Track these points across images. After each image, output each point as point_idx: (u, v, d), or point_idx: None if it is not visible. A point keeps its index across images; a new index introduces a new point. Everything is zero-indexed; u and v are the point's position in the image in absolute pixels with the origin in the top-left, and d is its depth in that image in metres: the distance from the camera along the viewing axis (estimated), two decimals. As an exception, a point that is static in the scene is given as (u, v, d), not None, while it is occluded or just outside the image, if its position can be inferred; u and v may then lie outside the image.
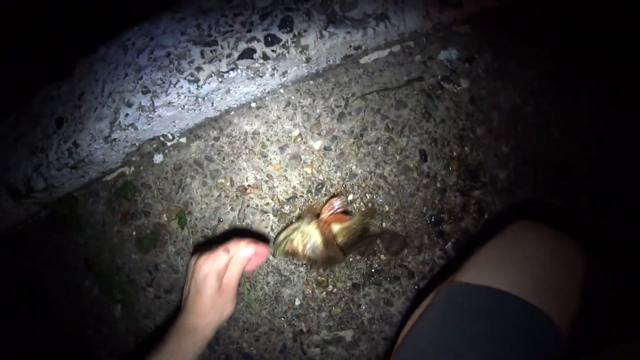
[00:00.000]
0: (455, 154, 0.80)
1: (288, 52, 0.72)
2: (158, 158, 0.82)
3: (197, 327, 0.56)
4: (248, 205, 0.78)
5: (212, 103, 0.76)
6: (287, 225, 0.71)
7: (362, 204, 0.77)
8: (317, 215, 0.70)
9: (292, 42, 0.72)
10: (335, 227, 0.68)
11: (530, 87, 0.85)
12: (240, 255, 0.57)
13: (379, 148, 0.78)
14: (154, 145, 0.82)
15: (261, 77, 0.74)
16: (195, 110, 0.75)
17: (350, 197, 0.77)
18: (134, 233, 0.84)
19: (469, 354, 0.45)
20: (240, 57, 0.71)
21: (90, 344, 0.92)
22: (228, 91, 0.74)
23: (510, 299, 0.47)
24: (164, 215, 0.82)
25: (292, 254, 0.68)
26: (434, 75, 0.81)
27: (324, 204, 0.71)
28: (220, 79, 0.71)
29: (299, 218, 0.71)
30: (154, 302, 0.85)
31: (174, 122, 0.77)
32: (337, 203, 0.69)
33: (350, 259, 0.77)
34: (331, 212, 0.69)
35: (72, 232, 0.90)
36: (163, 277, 0.84)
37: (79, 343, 0.93)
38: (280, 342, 0.80)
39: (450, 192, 0.79)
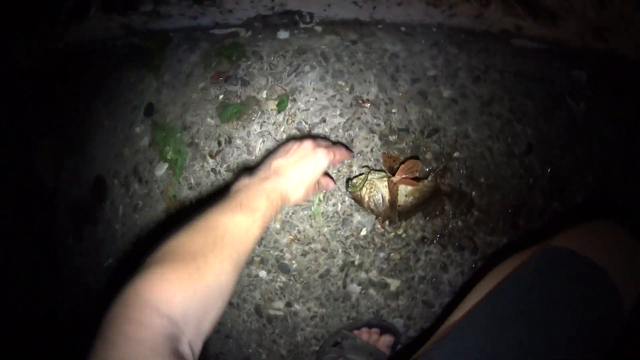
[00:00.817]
0: (554, 160, 0.82)
1: None
2: (283, 34, 0.76)
3: (284, 190, 0.52)
4: (359, 118, 0.74)
5: (375, 7, 0.72)
6: (361, 174, 0.72)
7: (463, 164, 0.76)
8: (392, 170, 0.70)
9: None
10: (405, 189, 0.70)
11: (633, 131, 0.90)
12: (338, 154, 0.60)
13: (498, 123, 0.78)
14: (284, 21, 0.76)
15: (435, 7, 0.72)
16: (344, 3, 0.72)
17: (456, 154, 0.76)
18: (222, 97, 0.76)
19: (549, 314, 0.47)
20: None
21: (112, 192, 0.81)
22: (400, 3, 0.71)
23: (595, 268, 0.49)
24: (265, 91, 0.75)
25: (357, 200, 0.70)
26: (563, 85, 0.84)
27: (403, 162, 0.71)
28: None
29: (373, 170, 0.72)
30: (208, 175, 0.77)
31: (326, 4, 0.72)
32: (413, 168, 0.70)
33: (431, 212, 0.75)
34: (404, 176, 0.69)
35: (147, 72, 0.80)
36: (232, 154, 0.76)
37: (101, 187, 0.81)
38: (326, 266, 0.75)
39: (537, 193, 0.81)
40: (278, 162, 0.54)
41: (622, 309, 0.48)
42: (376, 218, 0.74)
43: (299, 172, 0.54)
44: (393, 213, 0.71)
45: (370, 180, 0.69)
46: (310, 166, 0.55)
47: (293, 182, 0.53)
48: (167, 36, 0.80)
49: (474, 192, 0.76)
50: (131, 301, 0.38)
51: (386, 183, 0.69)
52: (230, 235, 0.44)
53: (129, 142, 0.80)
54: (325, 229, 0.74)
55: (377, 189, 0.69)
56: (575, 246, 0.52)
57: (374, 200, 0.69)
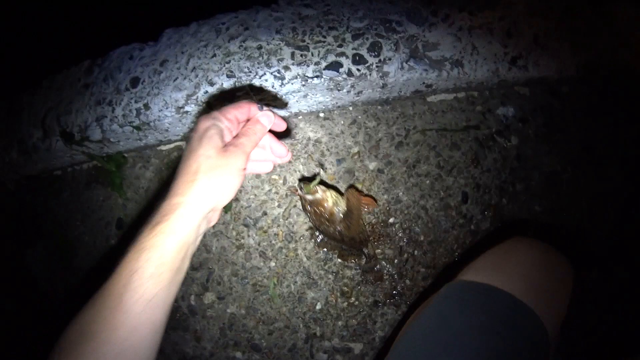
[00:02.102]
0: (493, 202, 0.84)
1: (370, 74, 0.75)
2: (218, 140, 0.84)
3: (186, 198, 0.41)
4: (295, 206, 0.80)
5: (287, 103, 0.78)
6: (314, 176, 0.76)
7: (400, 228, 0.81)
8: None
9: (376, 66, 0.75)
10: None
11: (571, 158, 0.91)
12: (261, 120, 0.46)
13: (427, 182, 0.81)
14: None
15: (339, 90, 0.77)
16: (269, 105, 0.78)
17: (391, 219, 0.81)
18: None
19: (462, 340, 0.48)
20: (327, 67, 0.73)
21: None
22: (306, 96, 0.77)
23: (501, 294, 0.51)
24: (211, 195, 0.84)
25: (319, 202, 0.71)
26: (489, 127, 0.86)
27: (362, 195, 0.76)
28: (303, 83, 0.74)
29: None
30: (178, 275, 0.86)
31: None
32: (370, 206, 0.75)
33: (378, 277, 0.80)
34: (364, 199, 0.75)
35: (112, 191, 0.91)
36: (194, 254, 0.85)
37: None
38: (292, 340, 0.82)
39: (481, 236, 0.83)
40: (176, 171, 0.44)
41: (538, 321, 0.49)
42: (338, 254, 0.80)
43: (197, 161, 0.43)
44: (354, 222, 0.72)
45: (333, 193, 0.73)
46: (207, 141, 0.43)
47: (196, 180, 0.42)
48: (123, 157, 0.90)
49: (415, 252, 0.80)
50: None
51: (345, 199, 0.73)
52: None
53: (107, 255, 0.91)
54: (284, 309, 0.81)
55: (340, 200, 0.73)
56: (482, 277, 0.54)
57: (337, 207, 0.72)
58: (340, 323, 0.80)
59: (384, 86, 0.77)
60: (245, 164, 0.45)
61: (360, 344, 0.81)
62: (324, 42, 0.75)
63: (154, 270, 0.39)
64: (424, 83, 0.80)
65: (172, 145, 0.87)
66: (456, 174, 0.82)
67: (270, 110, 0.49)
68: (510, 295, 0.51)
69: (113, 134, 0.85)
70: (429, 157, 0.82)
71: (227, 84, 0.73)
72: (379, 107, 0.82)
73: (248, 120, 0.49)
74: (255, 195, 0.81)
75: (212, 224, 0.49)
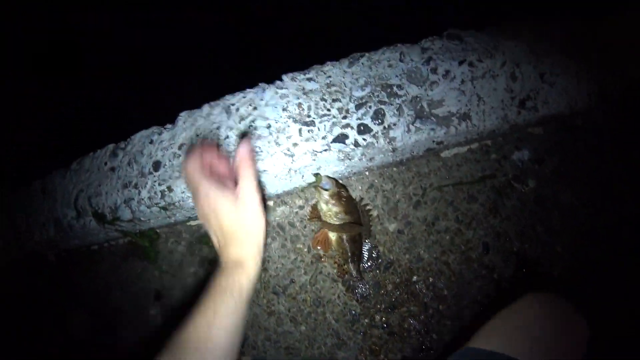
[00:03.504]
0: (515, 249, 0.83)
1: (377, 142, 0.75)
2: (241, 213, 0.87)
3: (227, 259, 0.48)
4: (320, 272, 0.82)
5: (303, 176, 0.79)
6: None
7: (423, 285, 0.82)
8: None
9: (382, 133, 0.74)
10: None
11: (589, 195, 0.88)
12: (241, 152, 0.50)
13: (447, 237, 0.81)
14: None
15: (350, 160, 0.77)
16: (286, 179, 0.79)
17: (414, 278, 0.81)
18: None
19: None
20: (334, 140, 0.74)
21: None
22: (319, 168, 0.78)
23: None
24: (239, 265, 0.87)
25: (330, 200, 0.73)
26: (506, 174, 0.84)
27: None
28: (313, 157, 0.74)
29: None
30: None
31: (265, 186, 0.81)
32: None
33: (405, 334, 0.82)
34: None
35: (147, 263, 0.95)
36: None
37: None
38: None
39: (506, 284, 0.83)
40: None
41: None
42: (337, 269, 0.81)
43: (223, 221, 0.50)
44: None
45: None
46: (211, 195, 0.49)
47: (228, 238, 0.51)
48: (155, 233, 0.94)
49: (440, 306, 0.81)
50: None
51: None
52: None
53: (148, 323, 0.96)
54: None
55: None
56: (488, 342, 0.53)
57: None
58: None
59: (394, 150, 0.77)
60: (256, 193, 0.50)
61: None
62: (329, 114, 0.75)
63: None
64: (433, 141, 0.79)
65: (200, 221, 0.90)
66: (475, 226, 0.82)
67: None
68: None
69: (142, 214, 0.88)
70: (447, 212, 0.81)
71: None
72: (394, 168, 0.82)
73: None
74: (283, 264, 0.83)
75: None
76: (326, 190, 0.73)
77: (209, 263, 0.88)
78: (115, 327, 0.99)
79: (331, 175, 0.80)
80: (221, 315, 0.47)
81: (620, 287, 0.87)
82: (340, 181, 0.82)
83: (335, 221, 0.75)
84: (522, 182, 0.84)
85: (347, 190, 0.76)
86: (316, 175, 0.75)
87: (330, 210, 0.75)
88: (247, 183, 0.49)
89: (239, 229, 0.48)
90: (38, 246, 1.07)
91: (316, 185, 0.75)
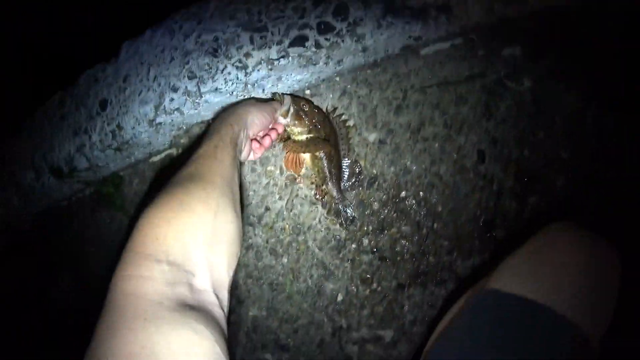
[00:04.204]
0: (514, 157, 0.73)
1: (343, 41, 0.64)
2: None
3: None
4: (297, 195, 0.73)
5: (263, 89, 0.69)
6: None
7: (414, 201, 0.72)
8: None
9: (347, 31, 0.64)
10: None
11: (593, 92, 0.78)
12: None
13: (436, 145, 0.71)
14: (202, 128, 0.77)
15: (314, 65, 0.67)
16: (244, 95, 0.70)
17: (403, 193, 0.72)
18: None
19: None
20: (292, 44, 0.64)
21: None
22: (279, 78, 0.68)
23: (542, 311, 0.43)
24: (209, 200, 0.78)
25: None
26: (497, 71, 0.73)
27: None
28: (270, 67, 0.64)
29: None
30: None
31: (222, 107, 0.72)
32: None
33: (398, 259, 0.72)
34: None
35: (116, 211, 0.87)
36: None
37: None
38: (319, 336, 0.76)
39: (506, 197, 0.73)
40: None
41: (585, 340, 0.42)
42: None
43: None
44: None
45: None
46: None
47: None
48: (119, 176, 0.86)
49: (435, 224, 0.71)
50: (128, 259, 0.35)
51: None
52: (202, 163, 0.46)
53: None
54: (305, 305, 0.75)
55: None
56: (517, 286, 0.45)
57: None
58: (365, 312, 0.73)
59: (364, 50, 0.67)
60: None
61: (391, 330, 0.73)
62: (283, 16, 0.64)
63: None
64: (410, 37, 0.69)
65: (163, 155, 0.81)
66: (467, 131, 0.72)
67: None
68: (552, 312, 0.42)
69: (98, 159, 0.80)
70: (434, 117, 0.71)
71: (190, 85, 0.66)
72: (369, 71, 0.72)
73: None
74: (255, 191, 0.74)
75: (244, 155, 0.58)
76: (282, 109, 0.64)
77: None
78: (95, 283, 0.92)
79: (296, 85, 0.71)
80: (220, 150, 0.49)
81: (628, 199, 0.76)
82: (306, 92, 0.73)
83: (302, 139, 0.66)
84: (516, 80, 0.74)
85: (310, 104, 0.67)
86: (274, 94, 0.66)
87: (292, 131, 0.66)
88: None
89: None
90: (7, 220, 1.00)
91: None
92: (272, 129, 0.66)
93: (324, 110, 0.70)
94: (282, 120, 0.65)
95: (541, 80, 0.75)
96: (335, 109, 0.71)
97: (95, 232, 0.91)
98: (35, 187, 0.89)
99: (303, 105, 0.66)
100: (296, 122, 0.65)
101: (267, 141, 0.64)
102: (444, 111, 0.71)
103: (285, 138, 0.69)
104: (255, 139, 0.62)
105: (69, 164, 0.81)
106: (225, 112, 0.58)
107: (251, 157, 0.62)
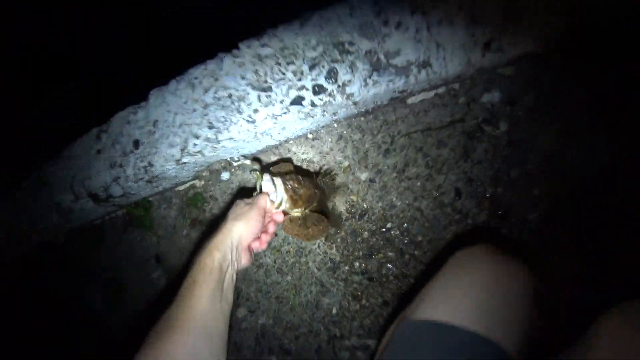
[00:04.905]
0: (488, 194, 0.83)
1: (334, 99, 0.74)
2: (225, 175, 0.90)
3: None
4: (298, 225, 0.86)
5: (271, 136, 0.81)
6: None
7: (398, 231, 0.83)
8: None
9: (338, 91, 0.73)
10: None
11: (568, 132, 0.85)
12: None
13: (418, 183, 0.82)
14: (222, 164, 0.90)
15: (313, 117, 0.78)
16: (255, 142, 0.82)
17: (388, 224, 0.83)
18: (200, 237, 0.95)
19: None
20: (292, 103, 0.74)
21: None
22: (284, 128, 0.79)
23: (452, 331, 0.45)
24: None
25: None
26: (476, 117, 0.83)
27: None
28: (274, 121, 0.75)
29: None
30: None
31: (237, 149, 0.84)
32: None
33: (384, 280, 0.84)
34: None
35: (145, 231, 1.02)
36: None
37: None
38: (316, 343, 0.89)
39: (479, 229, 0.83)
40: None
41: (501, 351, 0.44)
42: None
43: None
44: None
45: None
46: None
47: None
48: (148, 201, 1.00)
49: (416, 252, 0.82)
50: None
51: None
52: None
53: (153, 285, 1.03)
54: (305, 315, 0.87)
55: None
56: (431, 311, 0.49)
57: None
58: (355, 323, 0.85)
59: (355, 104, 0.77)
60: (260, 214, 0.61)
61: (376, 340, 0.85)
62: (284, 78, 0.74)
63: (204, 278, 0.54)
64: (395, 91, 0.79)
65: (187, 185, 0.95)
66: (446, 171, 0.82)
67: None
68: (462, 330, 0.45)
69: (130, 189, 0.93)
70: (417, 159, 0.82)
71: (210, 134, 0.78)
72: (362, 118, 0.83)
73: None
74: (262, 220, 0.87)
75: (244, 263, 0.61)
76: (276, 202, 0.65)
77: (199, 224, 0.94)
78: (124, 294, 1.08)
79: (299, 132, 0.82)
80: (198, 286, 0.54)
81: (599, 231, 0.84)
82: (308, 136, 0.83)
83: (299, 215, 0.68)
84: (493, 124, 0.83)
85: (298, 180, 0.66)
86: (259, 187, 0.66)
87: (288, 211, 0.67)
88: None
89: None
90: (45, 233, 1.15)
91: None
92: (270, 221, 0.66)
93: (311, 172, 0.77)
94: (277, 210, 0.65)
95: (516, 124, 0.84)
96: (324, 170, 0.78)
97: (126, 249, 1.06)
98: (74, 208, 1.04)
99: (295, 188, 0.65)
100: (291, 204, 0.65)
101: (266, 238, 0.65)
102: (427, 154, 0.82)
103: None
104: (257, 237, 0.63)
105: (106, 191, 0.95)
106: (208, 239, 0.58)
107: (258, 248, 0.64)
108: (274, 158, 0.87)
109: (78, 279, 1.15)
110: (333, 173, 0.80)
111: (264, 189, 0.64)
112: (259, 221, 0.61)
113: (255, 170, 0.69)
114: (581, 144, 0.84)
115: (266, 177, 0.64)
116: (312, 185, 0.68)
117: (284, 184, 0.64)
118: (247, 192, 0.89)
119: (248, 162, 0.84)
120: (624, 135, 0.82)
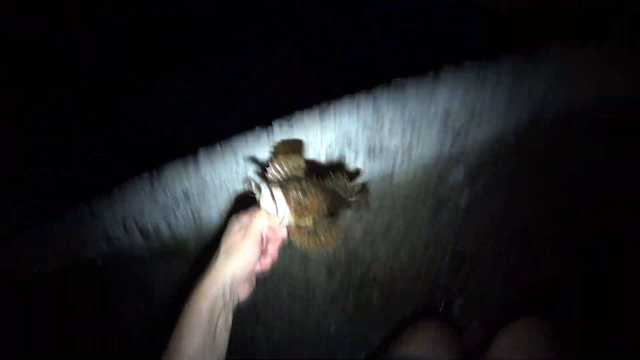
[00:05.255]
0: (449, 247, 1.11)
1: None
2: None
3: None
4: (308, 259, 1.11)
5: None
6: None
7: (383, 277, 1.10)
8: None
9: None
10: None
11: (513, 202, 1.14)
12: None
13: (399, 236, 1.10)
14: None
15: None
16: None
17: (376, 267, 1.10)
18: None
19: None
20: None
21: None
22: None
23: None
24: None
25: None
26: (444, 192, 1.10)
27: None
28: None
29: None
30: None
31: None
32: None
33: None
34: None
35: (179, 262, 1.25)
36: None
37: None
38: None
39: (443, 272, 1.11)
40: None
41: None
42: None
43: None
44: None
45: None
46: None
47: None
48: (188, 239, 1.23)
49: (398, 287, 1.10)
50: None
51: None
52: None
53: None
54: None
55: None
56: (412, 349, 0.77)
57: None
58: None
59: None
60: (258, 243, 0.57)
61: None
62: None
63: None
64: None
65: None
66: (419, 231, 1.10)
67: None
68: None
69: (178, 231, 1.16)
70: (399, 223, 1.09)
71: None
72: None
73: None
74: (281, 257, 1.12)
75: (242, 297, 0.61)
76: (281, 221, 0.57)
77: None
78: (156, 312, 1.29)
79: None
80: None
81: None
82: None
83: (308, 225, 0.59)
84: (456, 196, 1.11)
85: (302, 190, 0.56)
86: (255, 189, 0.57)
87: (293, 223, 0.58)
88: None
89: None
90: (88, 256, 1.33)
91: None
92: (269, 241, 0.62)
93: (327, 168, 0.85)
94: (279, 224, 0.58)
95: (475, 196, 1.12)
96: (339, 172, 0.63)
97: (159, 275, 1.28)
98: (123, 240, 1.24)
99: (299, 199, 0.56)
100: (296, 217, 0.57)
101: (267, 260, 0.63)
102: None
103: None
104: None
105: (156, 230, 1.16)
106: (198, 281, 0.55)
107: (259, 272, 0.63)
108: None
109: (115, 296, 1.34)
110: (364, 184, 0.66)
111: (262, 205, 0.56)
112: (255, 250, 0.57)
113: (251, 185, 0.57)
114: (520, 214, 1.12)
115: (264, 190, 0.56)
116: (321, 192, 0.57)
117: (286, 195, 0.55)
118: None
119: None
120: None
